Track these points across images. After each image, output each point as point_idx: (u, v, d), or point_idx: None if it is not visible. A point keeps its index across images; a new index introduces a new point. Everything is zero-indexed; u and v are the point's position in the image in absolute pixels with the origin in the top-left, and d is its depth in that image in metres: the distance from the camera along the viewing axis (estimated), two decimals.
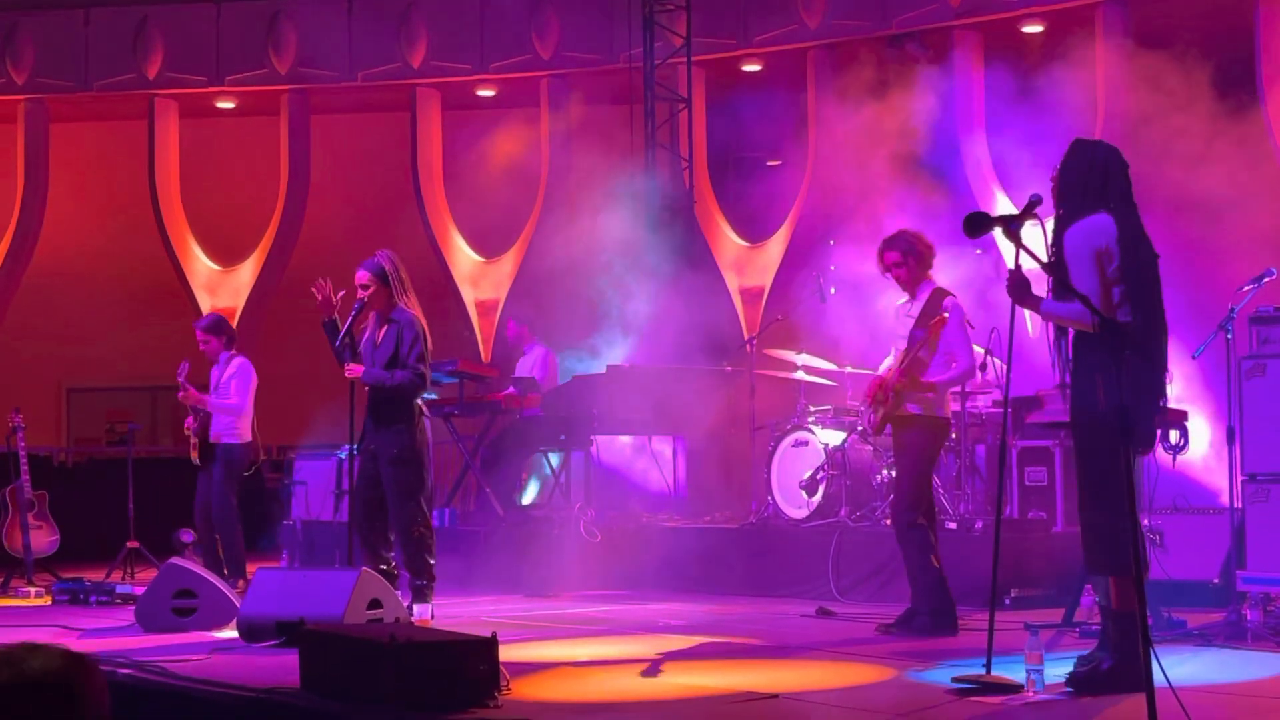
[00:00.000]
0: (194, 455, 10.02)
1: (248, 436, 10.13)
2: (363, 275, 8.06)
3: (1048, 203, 5.68)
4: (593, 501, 11.11)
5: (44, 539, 11.31)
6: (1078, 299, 5.16)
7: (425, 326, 8.09)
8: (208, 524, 10.02)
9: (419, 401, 8.14)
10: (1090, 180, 5.72)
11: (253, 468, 10.28)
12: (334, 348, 8.11)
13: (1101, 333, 5.39)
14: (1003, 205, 12.70)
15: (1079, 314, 5.47)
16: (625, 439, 12.13)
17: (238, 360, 10.19)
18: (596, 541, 10.38)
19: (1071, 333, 5.73)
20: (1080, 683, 5.51)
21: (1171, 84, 10.28)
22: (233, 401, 10.02)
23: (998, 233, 5.35)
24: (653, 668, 6.57)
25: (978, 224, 5.39)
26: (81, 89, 16.41)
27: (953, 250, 9.29)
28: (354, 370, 8.02)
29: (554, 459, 11.89)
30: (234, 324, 16.10)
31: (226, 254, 16.97)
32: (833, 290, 10.91)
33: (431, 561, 8.10)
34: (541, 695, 5.61)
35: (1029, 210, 5.50)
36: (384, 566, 7.91)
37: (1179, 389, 8.79)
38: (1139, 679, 4.55)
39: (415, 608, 7.91)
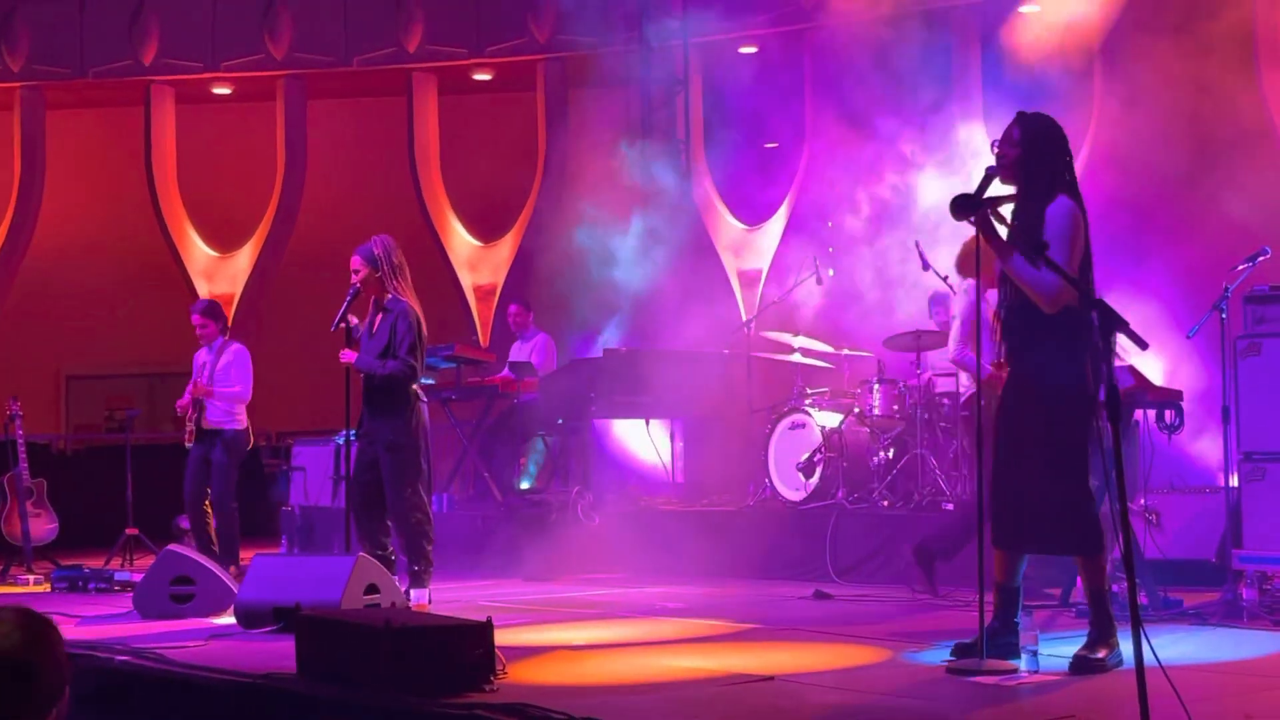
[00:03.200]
0: (189, 439, 9.97)
1: (245, 422, 10.11)
2: (354, 260, 8.05)
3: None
4: (590, 485, 11.11)
5: (43, 526, 11.32)
6: (1062, 276, 5.13)
7: (420, 316, 8.04)
8: (198, 508, 9.97)
9: (415, 387, 8.11)
10: (1060, 160, 5.68)
11: (246, 454, 10.27)
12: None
13: (1080, 312, 5.38)
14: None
15: (1049, 285, 5.39)
16: (622, 423, 12.14)
17: (235, 346, 10.13)
18: (594, 525, 10.39)
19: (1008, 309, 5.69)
20: (1078, 664, 5.51)
21: (1168, 61, 10.27)
22: (237, 389, 9.99)
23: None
24: (649, 651, 6.58)
25: (965, 206, 5.40)
26: (77, 76, 16.37)
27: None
28: (348, 356, 8.01)
29: (551, 443, 11.89)
30: (232, 310, 16.26)
31: (224, 240, 16.95)
32: (830, 272, 10.90)
33: (429, 547, 8.08)
34: (537, 679, 5.63)
35: (988, 182, 5.49)
36: (381, 552, 7.92)
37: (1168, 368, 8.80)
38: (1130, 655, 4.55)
39: (413, 593, 7.91)
